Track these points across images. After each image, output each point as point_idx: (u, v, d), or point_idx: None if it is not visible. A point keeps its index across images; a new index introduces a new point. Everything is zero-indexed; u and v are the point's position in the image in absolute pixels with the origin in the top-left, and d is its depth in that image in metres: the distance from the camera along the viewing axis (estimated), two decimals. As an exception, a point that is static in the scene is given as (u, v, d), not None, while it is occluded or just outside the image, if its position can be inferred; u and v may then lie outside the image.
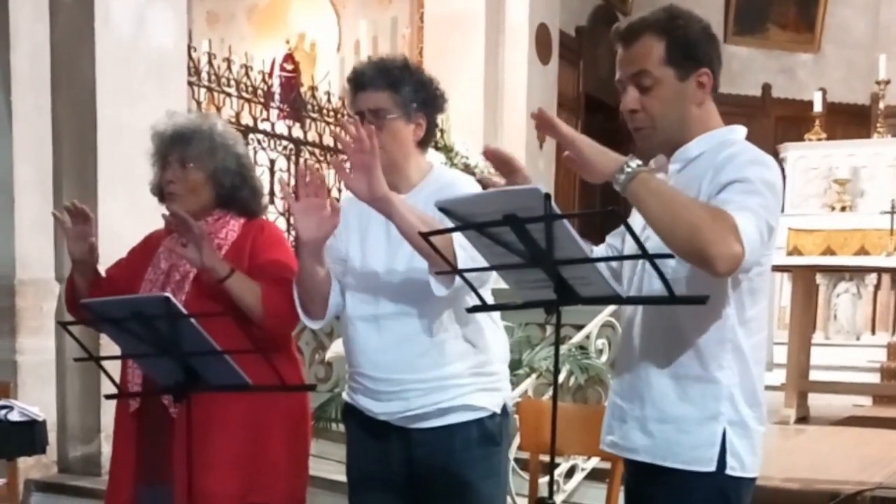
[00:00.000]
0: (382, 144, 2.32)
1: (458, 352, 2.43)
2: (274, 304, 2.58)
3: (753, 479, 2.12)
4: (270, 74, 7.36)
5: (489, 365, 2.49)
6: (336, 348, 3.97)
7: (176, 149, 2.71)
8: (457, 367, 2.42)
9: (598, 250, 2.25)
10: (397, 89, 2.43)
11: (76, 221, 2.75)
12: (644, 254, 1.79)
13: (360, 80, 2.46)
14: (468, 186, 2.36)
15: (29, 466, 4.78)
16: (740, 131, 2.12)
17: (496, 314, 2.52)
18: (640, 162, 1.88)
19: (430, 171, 2.52)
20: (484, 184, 2.11)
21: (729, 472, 2.05)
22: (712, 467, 2.04)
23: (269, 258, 2.68)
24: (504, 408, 2.52)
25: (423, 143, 2.52)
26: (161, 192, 2.79)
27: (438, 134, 2.48)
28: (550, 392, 2.97)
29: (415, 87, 2.45)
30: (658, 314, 2.07)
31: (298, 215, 2.35)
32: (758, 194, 1.91)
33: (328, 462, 4.20)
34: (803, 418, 6.06)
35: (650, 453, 2.10)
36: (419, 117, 2.47)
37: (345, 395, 2.61)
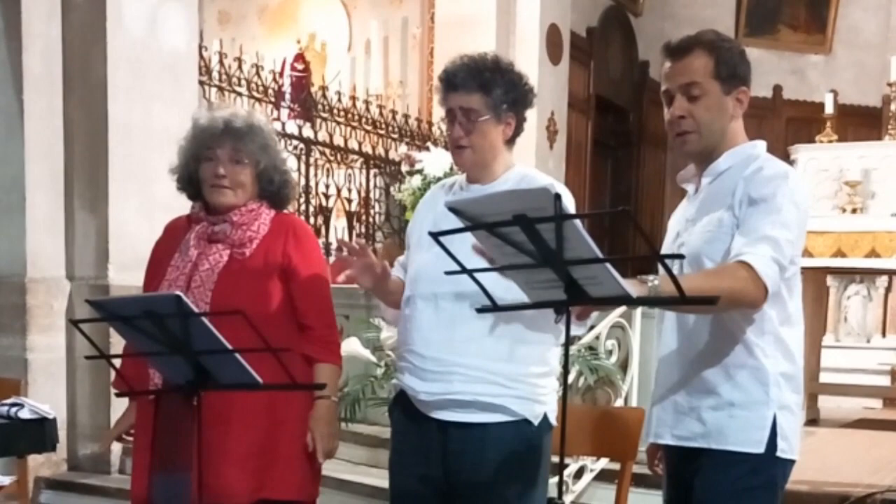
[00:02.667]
0: (472, 144, 2.47)
1: (512, 354, 2.44)
2: (327, 325, 2.74)
3: (793, 462, 2.31)
4: (281, 74, 7.37)
5: (540, 378, 2.49)
6: (347, 347, 3.97)
7: (227, 142, 2.67)
8: (506, 367, 2.43)
9: None
10: (489, 91, 2.46)
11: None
12: (655, 255, 1.81)
13: (452, 81, 2.49)
14: (544, 180, 2.42)
15: (39, 464, 4.81)
16: (761, 146, 2.34)
17: (560, 330, 2.45)
18: (655, 280, 1.98)
19: (512, 167, 2.57)
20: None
21: (779, 454, 2.24)
22: (761, 449, 2.22)
23: (309, 275, 2.72)
24: (545, 420, 2.50)
25: (510, 141, 2.56)
26: (189, 181, 2.75)
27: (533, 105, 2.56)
28: (560, 393, 2.97)
29: (506, 88, 2.49)
30: (705, 315, 2.26)
31: (356, 272, 2.51)
32: (778, 212, 2.16)
33: (339, 462, 4.20)
34: (813, 420, 6.05)
35: (705, 438, 2.27)
36: (509, 117, 2.51)
37: (393, 382, 2.68)
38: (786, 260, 2.17)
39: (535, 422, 2.47)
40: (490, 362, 2.42)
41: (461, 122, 2.47)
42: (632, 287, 1.90)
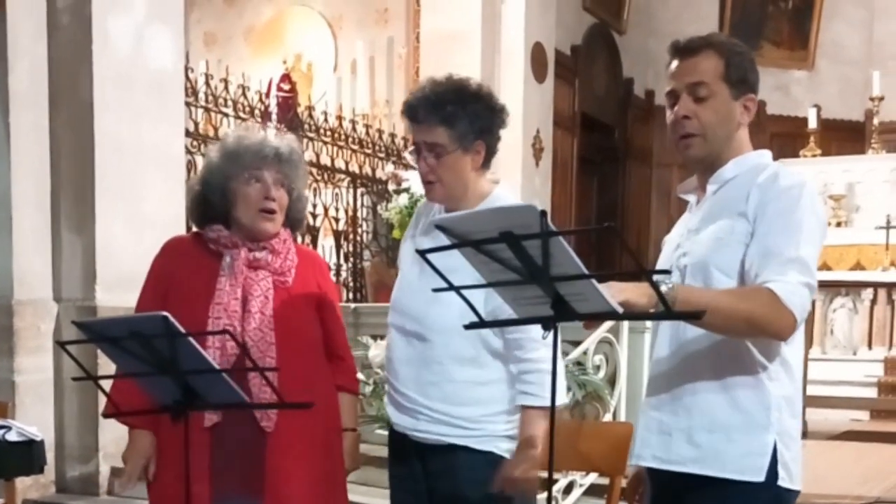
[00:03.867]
0: (440, 178, 2.41)
1: (476, 398, 2.44)
2: (351, 356, 2.84)
3: (798, 492, 2.13)
4: (267, 94, 7.37)
5: (508, 415, 2.47)
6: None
7: (274, 167, 2.60)
8: (469, 410, 2.44)
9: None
10: (453, 125, 2.38)
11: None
12: (641, 270, 1.80)
13: (413, 116, 2.42)
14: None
15: (27, 486, 4.77)
16: (768, 155, 2.23)
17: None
18: (670, 283, 1.93)
19: (489, 194, 2.49)
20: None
21: (780, 483, 2.07)
22: (762, 477, 2.05)
23: (335, 305, 2.78)
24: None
25: (485, 164, 2.49)
26: (208, 207, 2.66)
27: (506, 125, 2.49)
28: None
29: (470, 119, 2.39)
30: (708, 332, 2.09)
31: None
32: (800, 229, 2.03)
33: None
34: (801, 433, 6.05)
35: (698, 463, 2.10)
36: (477, 146, 2.43)
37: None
38: (814, 280, 2.03)
39: (508, 455, 2.46)
40: (452, 407, 2.44)
41: (426, 158, 2.42)
42: (639, 294, 1.88)
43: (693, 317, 1.88)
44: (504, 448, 2.47)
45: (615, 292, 1.85)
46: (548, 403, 2.28)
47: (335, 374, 2.74)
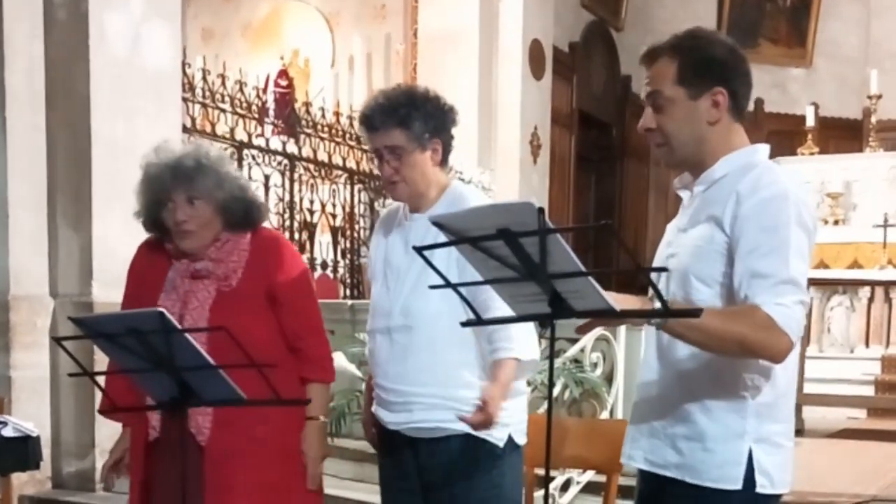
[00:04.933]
0: (404, 178, 2.54)
1: (467, 381, 2.51)
2: (319, 343, 2.76)
3: (780, 496, 2.12)
4: (265, 90, 7.37)
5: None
6: (335, 361, 3.97)
7: (180, 186, 2.64)
8: (463, 392, 2.49)
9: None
10: (408, 126, 2.52)
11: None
12: (638, 268, 1.80)
13: (370, 124, 2.56)
14: (477, 199, 2.56)
15: (23, 482, 4.76)
16: (763, 151, 2.15)
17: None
18: (668, 297, 1.91)
19: (447, 186, 2.63)
20: None
21: (759, 489, 2.06)
22: (738, 485, 2.05)
23: (296, 295, 2.72)
24: (510, 441, 2.55)
25: (443, 161, 2.63)
26: (157, 227, 2.74)
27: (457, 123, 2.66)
28: (545, 406, 2.97)
29: (424, 119, 2.54)
30: None
31: None
32: (787, 245, 1.97)
33: (325, 477, 4.18)
34: (798, 431, 6.01)
35: (680, 470, 2.11)
36: (434, 143, 2.57)
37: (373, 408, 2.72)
38: (806, 295, 1.99)
39: (500, 444, 2.53)
40: (445, 389, 2.50)
41: (388, 161, 2.54)
42: (633, 305, 1.88)
43: (691, 315, 1.87)
44: (497, 437, 2.52)
45: (616, 301, 1.83)
46: (518, 355, 2.46)
47: (298, 368, 2.69)
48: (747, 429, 2.05)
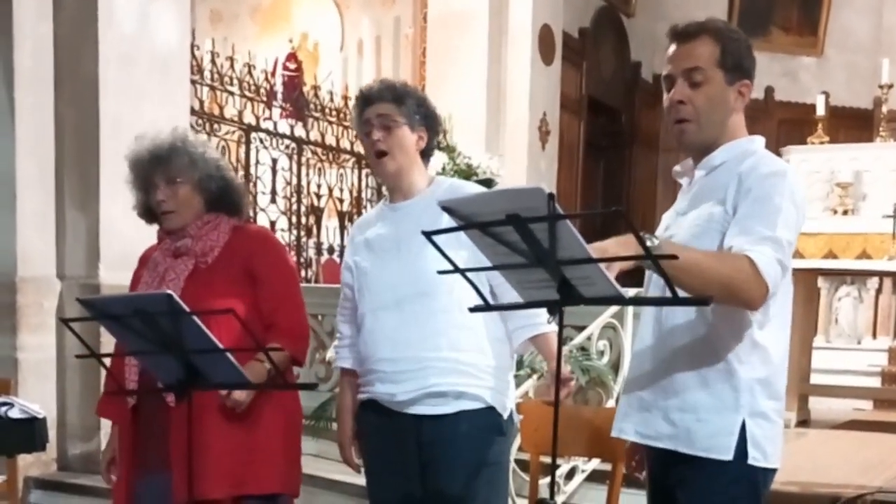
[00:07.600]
0: (390, 148, 2.61)
1: (482, 347, 2.57)
2: (296, 322, 2.79)
3: (774, 470, 2.21)
4: (273, 73, 7.36)
5: (504, 373, 2.64)
6: (331, 352, 3.98)
7: (158, 169, 2.78)
8: (476, 357, 2.55)
9: None
10: (402, 102, 2.63)
11: None
12: (648, 255, 1.80)
13: (367, 97, 2.66)
14: (473, 188, 2.62)
15: (29, 464, 4.78)
16: (759, 141, 2.26)
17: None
18: (656, 239, 1.94)
19: (434, 178, 2.73)
20: None
21: (751, 461, 2.13)
22: (730, 456, 2.12)
23: (276, 278, 2.80)
24: (511, 416, 2.67)
25: (424, 155, 2.70)
26: (149, 213, 2.88)
27: (441, 134, 2.76)
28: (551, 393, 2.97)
29: (417, 102, 2.67)
30: (683, 311, 2.17)
31: None
32: (778, 212, 2.08)
33: (328, 462, 4.19)
34: (804, 422, 6.06)
35: (672, 440, 2.18)
36: (421, 130, 2.67)
37: (360, 397, 2.71)
38: (788, 261, 2.09)
39: (504, 415, 2.61)
40: (461, 353, 2.54)
41: (377, 130, 2.61)
42: (625, 247, 1.89)
43: (700, 303, 1.94)
44: (506, 406, 2.61)
45: (597, 251, 1.86)
46: (549, 329, 2.55)
47: (269, 343, 2.69)
48: (742, 402, 2.13)
